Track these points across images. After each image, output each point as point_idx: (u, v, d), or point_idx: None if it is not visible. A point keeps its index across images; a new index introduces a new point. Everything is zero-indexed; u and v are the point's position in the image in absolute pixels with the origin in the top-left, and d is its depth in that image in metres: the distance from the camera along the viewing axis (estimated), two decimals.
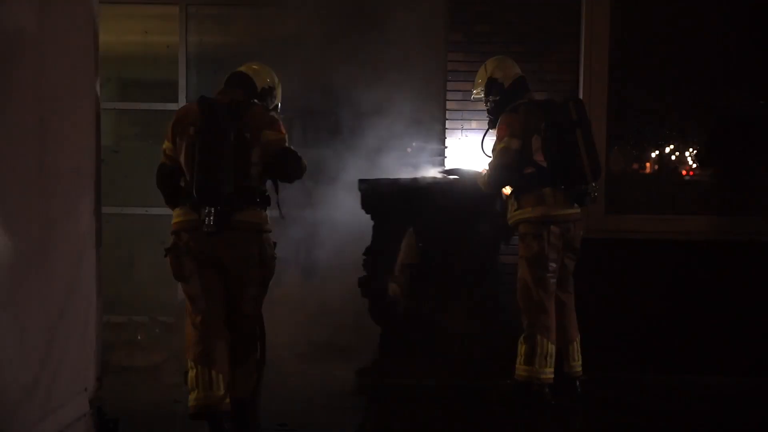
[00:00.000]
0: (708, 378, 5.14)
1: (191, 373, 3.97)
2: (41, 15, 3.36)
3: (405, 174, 5.46)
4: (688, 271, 5.28)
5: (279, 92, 4.42)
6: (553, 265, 4.58)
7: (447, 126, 5.59)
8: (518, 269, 4.67)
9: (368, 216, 5.23)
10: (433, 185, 5.22)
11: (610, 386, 5.01)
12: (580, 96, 5.32)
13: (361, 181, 5.23)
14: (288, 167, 4.09)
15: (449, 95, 5.54)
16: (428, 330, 5.12)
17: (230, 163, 3.88)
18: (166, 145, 4.09)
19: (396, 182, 5.25)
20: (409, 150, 6.20)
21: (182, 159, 3.99)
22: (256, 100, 4.19)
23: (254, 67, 4.35)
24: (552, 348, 4.52)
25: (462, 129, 5.59)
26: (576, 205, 4.61)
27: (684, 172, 5.68)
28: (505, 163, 4.55)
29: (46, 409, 3.39)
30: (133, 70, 6.65)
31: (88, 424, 3.79)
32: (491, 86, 4.77)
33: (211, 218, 3.87)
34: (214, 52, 6.32)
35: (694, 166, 5.67)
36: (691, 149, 5.63)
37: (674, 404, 4.78)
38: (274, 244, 4.20)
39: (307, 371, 5.26)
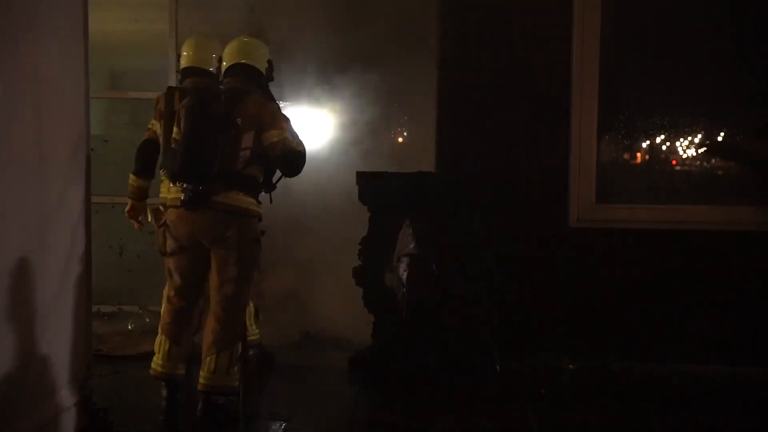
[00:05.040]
0: (697, 367, 5.16)
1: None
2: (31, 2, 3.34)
3: (398, 164, 5.46)
4: (680, 260, 5.29)
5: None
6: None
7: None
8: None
9: (364, 207, 5.23)
10: (429, 177, 5.23)
11: (600, 376, 5.04)
12: (572, 85, 5.32)
13: (358, 173, 5.24)
14: (292, 168, 4.23)
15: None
16: (423, 320, 5.12)
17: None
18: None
19: (392, 174, 5.26)
20: (400, 140, 6.19)
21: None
22: (253, 88, 4.32)
23: (252, 51, 4.45)
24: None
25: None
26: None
27: (675, 162, 5.68)
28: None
29: (36, 399, 3.39)
30: (122, 58, 6.61)
31: (78, 413, 3.78)
32: None
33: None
34: None
35: (686, 155, 5.67)
36: (682, 139, 5.63)
37: (661, 394, 4.80)
38: (262, 232, 4.28)
39: (300, 360, 5.27)
